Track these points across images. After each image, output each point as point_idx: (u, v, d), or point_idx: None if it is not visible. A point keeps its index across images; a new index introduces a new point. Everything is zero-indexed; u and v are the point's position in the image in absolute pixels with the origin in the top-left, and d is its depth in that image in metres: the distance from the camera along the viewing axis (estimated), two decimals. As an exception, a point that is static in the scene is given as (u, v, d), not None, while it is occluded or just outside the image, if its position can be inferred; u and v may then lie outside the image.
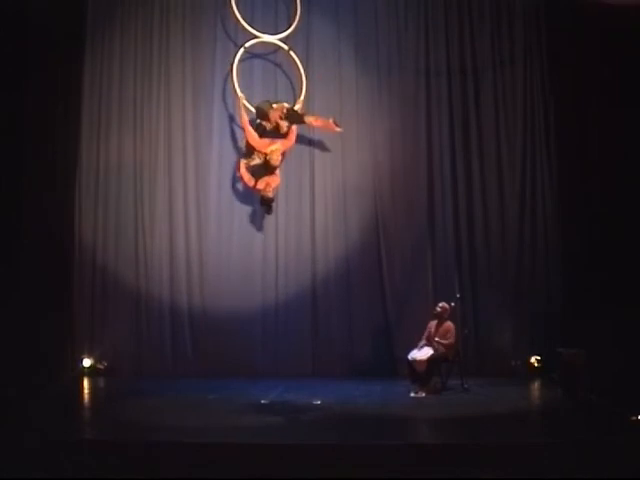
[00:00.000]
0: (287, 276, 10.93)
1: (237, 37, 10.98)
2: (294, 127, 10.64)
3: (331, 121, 10.61)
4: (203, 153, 11.05)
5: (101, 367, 10.64)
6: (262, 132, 10.50)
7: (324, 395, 8.95)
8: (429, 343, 9.37)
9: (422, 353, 9.24)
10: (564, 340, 9.97)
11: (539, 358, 10.55)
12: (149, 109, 11.05)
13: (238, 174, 10.67)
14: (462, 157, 11.00)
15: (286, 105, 10.69)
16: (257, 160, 10.45)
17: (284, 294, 10.88)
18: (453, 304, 9.58)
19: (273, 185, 10.46)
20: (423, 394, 9.07)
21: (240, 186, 10.86)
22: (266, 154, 10.42)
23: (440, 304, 9.57)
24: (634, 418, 7.36)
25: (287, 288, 10.90)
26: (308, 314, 10.86)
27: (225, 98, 11.00)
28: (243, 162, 10.54)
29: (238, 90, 10.65)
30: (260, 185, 10.41)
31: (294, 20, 10.85)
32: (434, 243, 10.96)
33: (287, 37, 10.89)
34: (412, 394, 9.10)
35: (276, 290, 10.89)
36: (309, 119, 10.65)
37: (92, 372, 10.58)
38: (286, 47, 10.87)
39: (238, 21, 10.74)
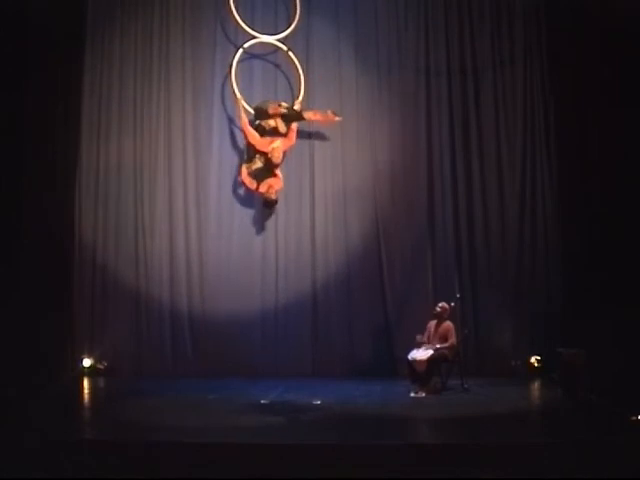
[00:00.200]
0: (287, 276, 10.92)
1: (237, 38, 10.98)
2: (294, 126, 10.66)
3: (329, 112, 10.65)
4: (203, 153, 11.05)
5: (101, 367, 10.64)
6: (262, 132, 10.53)
7: (324, 395, 8.95)
8: (429, 343, 9.37)
9: (422, 353, 9.23)
10: (564, 340, 9.97)
11: (539, 358, 10.55)
12: (149, 109, 11.05)
13: (240, 179, 10.69)
14: (462, 157, 11.00)
15: (284, 105, 10.70)
16: (258, 163, 10.49)
17: (284, 294, 10.88)
18: (453, 304, 9.58)
19: (276, 187, 10.49)
20: (423, 394, 9.06)
21: (240, 188, 10.86)
22: (267, 153, 10.44)
23: (440, 304, 9.57)
24: (634, 418, 7.36)
25: (287, 288, 10.89)
26: (308, 314, 10.85)
27: (225, 99, 11.00)
28: (244, 167, 10.58)
29: (237, 91, 10.66)
30: (262, 188, 10.45)
31: (293, 20, 10.86)
32: (434, 243, 10.97)
33: (287, 37, 10.91)
34: (412, 394, 9.10)
35: (276, 290, 10.89)
36: (308, 115, 10.70)
37: (92, 372, 10.58)
38: (285, 47, 10.88)
39: (237, 22, 10.75)
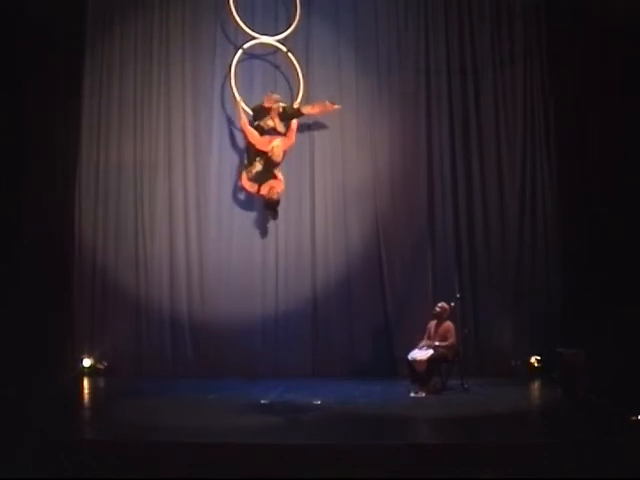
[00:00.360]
0: (287, 277, 10.92)
1: (237, 39, 10.95)
2: (294, 126, 10.66)
3: (327, 102, 10.68)
4: (203, 154, 11.04)
5: (101, 367, 10.64)
6: (261, 132, 10.53)
7: (324, 395, 8.95)
8: (429, 343, 9.38)
9: (422, 353, 9.24)
10: (564, 340, 9.97)
11: (539, 358, 10.55)
12: (149, 110, 11.04)
13: (240, 185, 10.69)
14: (462, 157, 11.00)
15: (282, 104, 10.71)
16: (258, 166, 10.50)
17: (284, 295, 10.87)
18: (453, 304, 9.58)
19: (277, 189, 10.48)
20: (423, 394, 9.07)
21: (240, 192, 10.87)
22: (267, 152, 10.45)
23: (439, 304, 9.57)
24: (634, 418, 7.36)
25: (287, 289, 10.89)
26: (308, 314, 10.85)
27: (225, 100, 10.98)
28: (244, 173, 10.58)
29: (236, 92, 10.67)
30: (264, 190, 10.46)
31: (293, 21, 10.85)
32: (434, 243, 10.97)
33: (287, 38, 10.90)
34: (412, 394, 9.10)
35: (276, 290, 10.89)
36: (306, 109, 10.71)
37: (92, 372, 10.58)
38: (284, 48, 10.88)
39: (236, 22, 10.74)
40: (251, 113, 10.70)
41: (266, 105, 10.61)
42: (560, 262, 10.75)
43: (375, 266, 10.91)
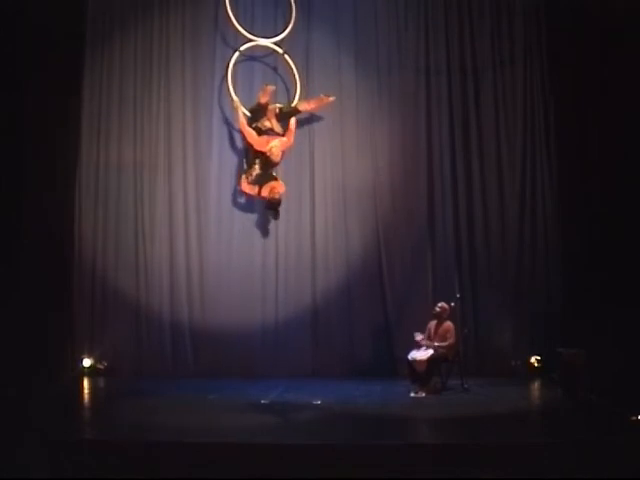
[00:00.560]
0: (287, 278, 10.91)
1: (237, 43, 10.93)
2: (292, 127, 10.66)
3: (322, 96, 10.71)
4: (203, 156, 11.04)
5: (101, 367, 10.65)
6: (258, 133, 10.55)
7: (324, 395, 8.95)
8: (429, 345, 9.38)
9: (422, 353, 9.24)
10: (564, 340, 9.97)
11: (539, 358, 10.55)
12: (149, 110, 11.04)
13: (239, 189, 10.69)
14: (462, 157, 11.00)
15: (278, 105, 10.72)
16: (258, 169, 10.51)
17: (285, 295, 10.87)
18: (453, 304, 9.58)
19: (278, 189, 10.48)
20: (423, 394, 9.07)
21: (241, 195, 10.87)
22: (265, 152, 10.45)
23: (439, 304, 9.57)
24: (634, 418, 7.36)
25: (288, 289, 10.89)
26: (308, 315, 10.84)
27: (225, 101, 10.96)
28: (244, 177, 10.59)
29: (233, 94, 10.67)
30: (265, 192, 10.47)
31: (289, 23, 10.84)
32: (434, 243, 10.97)
33: (286, 39, 10.89)
34: (412, 394, 9.10)
35: (276, 291, 10.88)
36: (302, 106, 10.76)
37: (92, 372, 10.58)
38: (281, 50, 10.88)
39: (232, 24, 10.74)
40: (248, 114, 10.71)
41: (262, 101, 10.62)
42: (560, 262, 10.75)
43: (375, 266, 10.91)
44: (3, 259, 9.77)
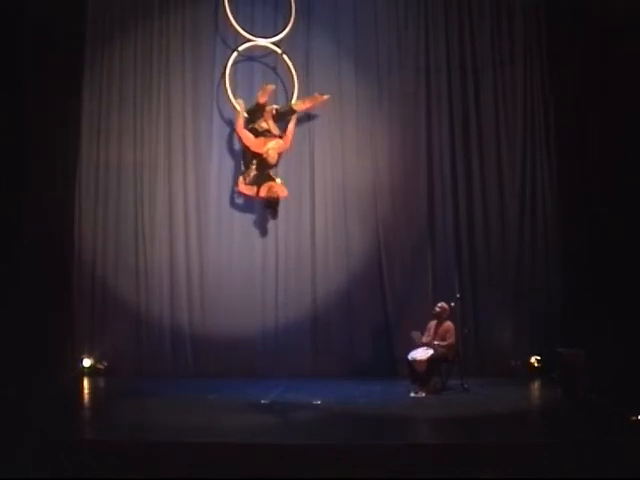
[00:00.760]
0: (288, 278, 10.92)
1: (237, 40, 10.94)
2: (290, 130, 10.67)
3: (316, 95, 10.73)
4: (203, 157, 11.05)
5: (101, 367, 10.65)
6: (255, 134, 10.56)
7: (324, 395, 8.95)
8: (429, 343, 9.38)
9: (422, 353, 9.24)
10: (564, 340, 9.97)
11: (539, 358, 10.56)
12: (149, 110, 11.05)
13: (237, 190, 10.70)
14: (462, 157, 11.00)
15: (275, 106, 10.73)
16: (255, 170, 10.53)
17: (285, 295, 10.88)
18: (453, 304, 9.58)
19: (276, 189, 10.50)
20: (423, 394, 9.07)
21: (241, 199, 10.88)
22: (262, 154, 10.46)
23: (439, 304, 9.57)
24: (634, 418, 7.36)
25: (288, 289, 10.90)
26: (309, 315, 10.84)
27: (225, 102, 10.97)
28: (241, 178, 10.61)
29: (230, 94, 10.67)
30: (262, 192, 10.50)
31: (288, 22, 10.84)
32: (434, 243, 10.97)
33: (286, 39, 10.90)
34: (412, 394, 9.10)
35: (276, 291, 10.89)
36: (298, 105, 10.76)
37: (92, 372, 10.58)
38: (279, 50, 10.88)
39: (230, 23, 10.74)
40: (246, 115, 10.71)
41: (261, 100, 10.63)
42: (560, 262, 10.75)
43: (375, 266, 10.92)
44: (3, 259, 9.77)
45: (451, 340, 9.36)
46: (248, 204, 10.93)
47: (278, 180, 10.66)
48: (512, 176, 10.98)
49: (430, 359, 9.17)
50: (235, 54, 10.83)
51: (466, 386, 9.30)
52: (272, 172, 10.69)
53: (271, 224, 10.91)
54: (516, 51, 11.07)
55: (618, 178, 10.07)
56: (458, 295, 9.87)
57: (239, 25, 10.78)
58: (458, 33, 11.10)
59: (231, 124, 10.95)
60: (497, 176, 10.98)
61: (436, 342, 9.30)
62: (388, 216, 10.98)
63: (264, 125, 10.61)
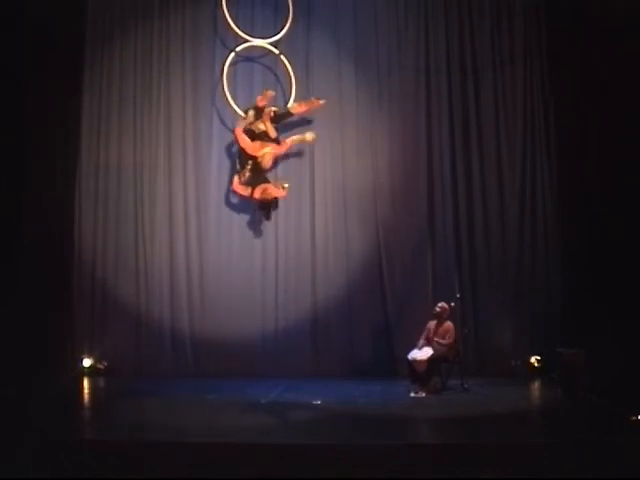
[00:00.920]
0: (287, 278, 10.93)
1: (237, 40, 10.93)
2: (289, 141, 10.69)
3: (313, 99, 10.75)
4: (203, 154, 11.06)
5: (101, 367, 10.65)
6: (252, 136, 10.57)
7: (324, 395, 8.95)
8: (429, 343, 9.37)
9: (422, 353, 9.24)
10: (564, 340, 9.97)
11: (539, 358, 10.56)
12: (149, 110, 11.06)
13: (232, 190, 10.72)
14: (462, 157, 11.00)
15: (273, 108, 10.74)
16: (250, 171, 10.55)
17: (285, 295, 10.89)
18: (453, 304, 9.58)
19: (271, 191, 10.53)
20: (423, 394, 9.07)
21: (236, 199, 10.89)
22: (257, 157, 10.49)
23: (439, 304, 9.57)
24: (634, 418, 7.36)
25: (288, 289, 10.90)
26: (309, 314, 10.84)
27: (224, 104, 10.98)
28: (236, 177, 10.64)
29: (228, 95, 10.67)
30: (257, 193, 10.55)
31: (286, 23, 10.84)
32: (434, 243, 10.97)
33: (286, 39, 10.90)
34: (412, 394, 9.10)
35: (276, 291, 10.89)
36: (294, 109, 10.79)
37: (92, 372, 10.58)
38: (277, 51, 10.88)
39: (228, 24, 10.75)
40: (243, 116, 10.72)
41: (260, 104, 10.65)
42: (560, 262, 10.75)
43: (375, 267, 10.91)
44: (3, 259, 9.77)
45: (451, 340, 9.35)
46: (248, 205, 10.94)
47: (284, 184, 10.69)
48: (512, 176, 10.98)
49: (430, 359, 9.17)
50: (233, 55, 10.83)
51: (466, 386, 9.30)
52: (270, 174, 10.71)
53: (271, 225, 10.92)
54: (516, 51, 11.07)
55: (618, 178, 10.06)
56: (458, 295, 9.87)
57: (239, 25, 10.80)
58: (458, 33, 11.11)
59: (231, 125, 10.95)
60: (497, 176, 10.98)
61: (436, 339, 9.29)
62: (388, 216, 10.98)
63: (261, 127, 10.64)
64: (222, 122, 11.05)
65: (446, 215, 10.97)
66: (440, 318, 9.49)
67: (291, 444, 6.79)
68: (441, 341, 9.30)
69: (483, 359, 10.64)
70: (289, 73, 10.88)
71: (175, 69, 11.09)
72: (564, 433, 7.21)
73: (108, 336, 10.72)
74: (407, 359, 9.34)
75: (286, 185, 10.69)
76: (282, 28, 10.86)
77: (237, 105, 10.78)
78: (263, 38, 10.91)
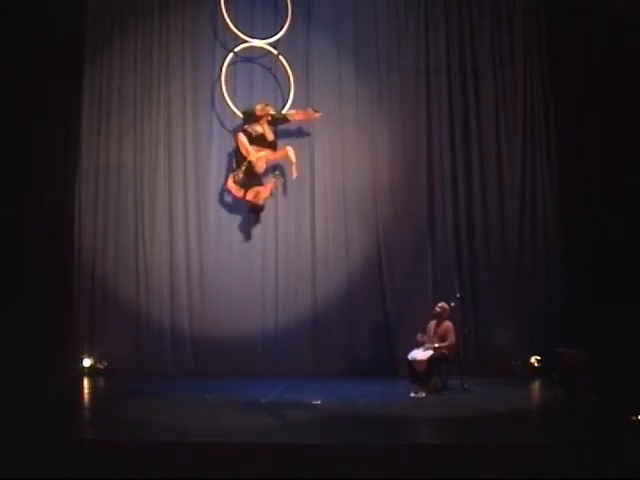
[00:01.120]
0: (287, 278, 10.93)
1: (237, 40, 10.95)
2: (288, 149, 10.67)
3: (310, 110, 10.75)
4: (203, 154, 11.07)
5: (101, 367, 10.65)
6: (249, 138, 10.59)
7: (324, 395, 8.95)
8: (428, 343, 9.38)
9: (422, 353, 9.24)
10: (564, 340, 9.97)
11: (539, 358, 10.56)
12: (149, 110, 11.06)
13: (226, 188, 10.73)
14: (462, 157, 11.00)
15: (271, 111, 10.74)
16: (242, 173, 10.56)
17: (285, 295, 10.89)
18: (453, 304, 9.58)
19: (263, 195, 10.58)
20: (423, 394, 9.07)
21: (226, 191, 10.89)
22: (251, 161, 10.50)
23: (439, 304, 9.57)
24: (634, 418, 7.36)
25: (288, 289, 10.90)
26: (309, 314, 10.84)
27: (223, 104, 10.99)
28: (230, 176, 10.65)
29: (226, 96, 10.67)
30: (249, 196, 10.62)
31: (285, 23, 10.84)
32: (434, 243, 10.97)
33: (286, 39, 10.91)
34: (412, 394, 9.10)
35: (276, 291, 10.89)
36: (291, 115, 10.80)
37: (92, 372, 10.58)
38: (275, 51, 10.89)
39: (227, 23, 10.75)
40: (241, 116, 10.73)
41: (257, 113, 10.66)
42: (560, 262, 10.75)
43: (375, 267, 10.92)
44: (3, 259, 9.77)
45: (451, 340, 9.35)
46: (248, 205, 10.92)
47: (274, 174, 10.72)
48: (512, 176, 10.99)
49: (430, 359, 9.17)
50: (231, 55, 10.84)
51: (466, 386, 9.29)
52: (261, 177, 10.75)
53: (271, 225, 10.93)
54: (516, 51, 11.08)
55: (618, 178, 10.07)
56: (458, 295, 9.87)
57: (239, 26, 10.81)
58: (458, 33, 11.11)
59: (231, 125, 10.94)
60: (497, 176, 10.98)
61: (437, 344, 9.28)
62: (388, 216, 10.98)
63: (258, 129, 10.66)
64: (222, 122, 11.04)
65: (446, 215, 10.98)
66: (440, 318, 9.49)
67: (291, 444, 6.78)
68: (442, 344, 9.27)
69: (483, 359, 10.64)
70: (288, 73, 10.87)
71: (175, 69, 11.09)
72: (564, 433, 7.21)
73: (108, 336, 10.73)
74: (407, 359, 9.33)
75: (277, 173, 10.70)
76: (281, 28, 10.86)
77: (236, 106, 10.77)
78: (263, 38, 10.92)
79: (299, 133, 11.03)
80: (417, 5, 11.21)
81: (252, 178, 10.60)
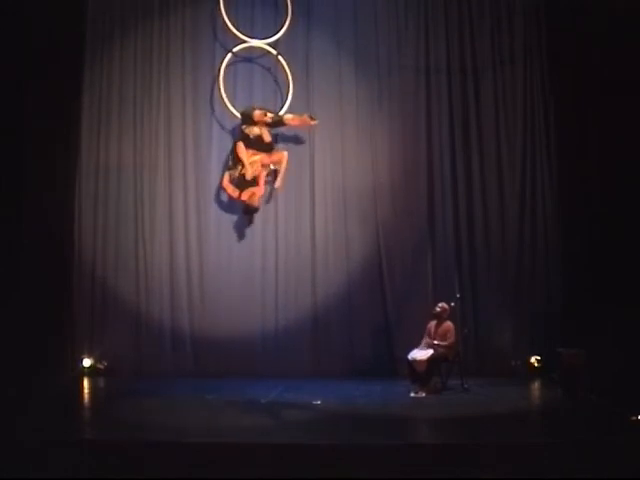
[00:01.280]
0: (287, 278, 10.93)
1: (237, 40, 10.94)
2: (286, 154, 10.68)
3: (306, 116, 10.73)
4: (203, 154, 11.06)
5: (101, 367, 10.65)
6: (246, 139, 10.60)
7: (324, 395, 8.95)
8: (428, 342, 9.38)
9: (422, 353, 9.24)
10: (564, 340, 9.97)
11: (539, 358, 10.56)
12: (149, 110, 11.06)
13: (222, 186, 10.73)
14: (462, 157, 11.00)
15: (270, 114, 10.75)
16: (237, 173, 10.57)
17: (285, 295, 10.89)
18: (453, 304, 9.58)
19: (258, 195, 10.58)
20: (423, 394, 9.07)
21: (222, 190, 10.90)
22: (244, 164, 10.52)
23: (439, 304, 9.57)
24: (634, 418, 7.36)
25: (288, 289, 10.91)
26: (309, 314, 10.84)
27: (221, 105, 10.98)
28: (227, 175, 10.65)
29: (225, 96, 10.68)
30: (245, 196, 10.63)
31: (284, 23, 10.84)
32: (434, 243, 10.97)
33: (286, 39, 10.91)
34: (412, 394, 9.10)
35: (276, 291, 10.89)
36: (287, 119, 10.79)
37: (92, 372, 10.58)
38: (274, 52, 10.89)
39: (226, 24, 10.75)
40: (239, 117, 10.73)
41: (255, 118, 10.67)
42: (560, 262, 10.75)
43: (375, 267, 10.91)
44: (3, 259, 9.77)
45: (450, 340, 9.36)
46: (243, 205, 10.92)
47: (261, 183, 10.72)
48: (512, 176, 10.99)
49: (430, 359, 9.17)
50: (230, 55, 10.84)
51: (466, 386, 9.30)
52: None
53: (271, 225, 10.93)
54: (516, 51, 11.08)
55: (618, 178, 10.07)
56: (458, 295, 9.87)
57: (239, 26, 10.80)
58: (458, 33, 11.11)
59: (231, 125, 10.95)
60: (497, 176, 10.98)
61: (436, 342, 9.29)
62: (388, 216, 10.98)
63: (256, 131, 10.67)
64: (222, 123, 11.04)
65: (446, 215, 10.97)
66: (440, 318, 9.49)
67: (291, 444, 6.78)
68: (442, 343, 9.29)
69: (483, 359, 10.64)
70: (287, 74, 10.87)
71: (175, 69, 11.09)
72: (564, 433, 7.21)
73: (108, 336, 10.72)
74: (407, 359, 9.33)
75: (272, 167, 10.71)
76: (281, 28, 10.86)
77: (236, 106, 10.77)
78: (263, 38, 10.92)
79: (299, 133, 11.02)
80: (417, 5, 11.21)
81: (245, 179, 10.61)
